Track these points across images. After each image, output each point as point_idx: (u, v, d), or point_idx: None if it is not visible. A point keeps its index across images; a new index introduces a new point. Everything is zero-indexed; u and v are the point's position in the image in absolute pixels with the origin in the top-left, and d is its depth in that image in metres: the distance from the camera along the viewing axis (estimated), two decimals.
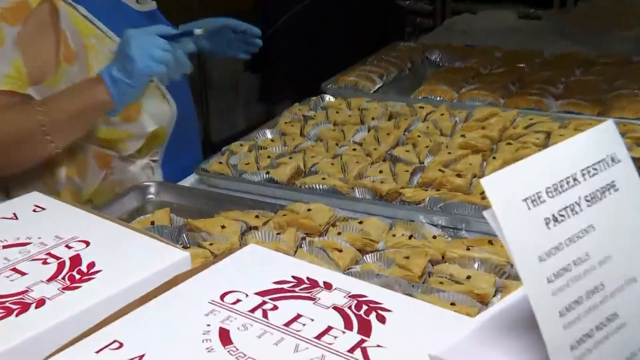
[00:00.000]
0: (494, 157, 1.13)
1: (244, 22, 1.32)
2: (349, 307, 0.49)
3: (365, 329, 0.47)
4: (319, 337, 0.46)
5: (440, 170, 1.08)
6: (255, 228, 0.93)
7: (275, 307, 0.49)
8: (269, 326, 0.47)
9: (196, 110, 1.38)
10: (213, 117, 2.78)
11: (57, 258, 0.57)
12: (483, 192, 1.00)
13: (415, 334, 0.47)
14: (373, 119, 1.32)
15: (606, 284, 0.37)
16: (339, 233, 0.90)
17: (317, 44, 2.29)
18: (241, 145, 1.23)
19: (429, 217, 0.96)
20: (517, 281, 0.78)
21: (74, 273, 0.55)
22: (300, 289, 0.51)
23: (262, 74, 2.61)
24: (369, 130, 1.27)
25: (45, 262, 0.56)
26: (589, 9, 2.10)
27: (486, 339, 0.39)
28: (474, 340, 0.39)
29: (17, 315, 0.50)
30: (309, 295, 0.50)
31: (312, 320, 0.48)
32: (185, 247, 0.88)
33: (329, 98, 1.48)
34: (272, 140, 1.26)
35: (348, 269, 0.83)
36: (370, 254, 0.87)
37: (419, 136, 1.22)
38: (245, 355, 0.44)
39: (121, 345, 0.45)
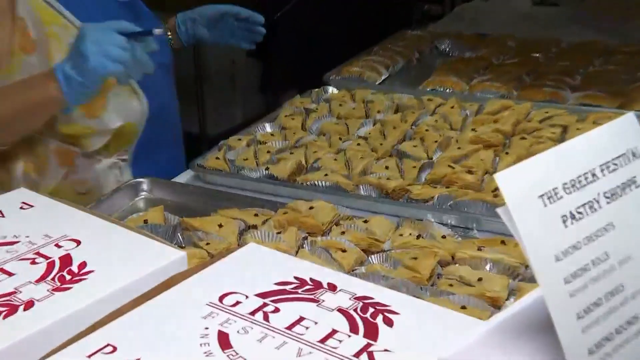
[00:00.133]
0: (506, 153, 1.13)
1: (246, 9, 1.32)
2: (355, 310, 0.49)
3: (371, 332, 0.47)
4: (322, 341, 0.46)
5: (449, 166, 1.08)
6: (254, 227, 0.94)
7: (276, 310, 0.49)
8: (270, 329, 0.47)
9: (178, 106, 1.37)
10: (209, 110, 2.78)
11: (47, 258, 0.57)
12: (495, 190, 1.00)
13: (424, 337, 0.47)
14: (379, 112, 1.32)
15: (626, 285, 0.37)
16: (343, 232, 0.90)
17: (319, 32, 2.29)
18: (239, 139, 1.23)
19: (438, 216, 0.96)
20: (531, 283, 0.79)
21: (64, 273, 0.55)
22: (303, 291, 0.51)
23: (261, 64, 2.61)
24: (374, 124, 1.28)
25: (33, 262, 0.57)
26: None
27: (499, 343, 0.39)
28: (485, 343, 0.39)
29: (4, 318, 0.50)
30: (312, 297, 0.51)
31: (316, 323, 0.48)
32: (180, 247, 0.89)
33: (332, 90, 1.48)
34: (272, 134, 1.26)
35: (352, 271, 0.84)
36: (375, 255, 0.87)
37: (427, 130, 1.22)
38: None
39: (115, 349, 0.46)
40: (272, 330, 0.47)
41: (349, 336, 0.47)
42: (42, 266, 0.56)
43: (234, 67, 2.81)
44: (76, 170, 1.14)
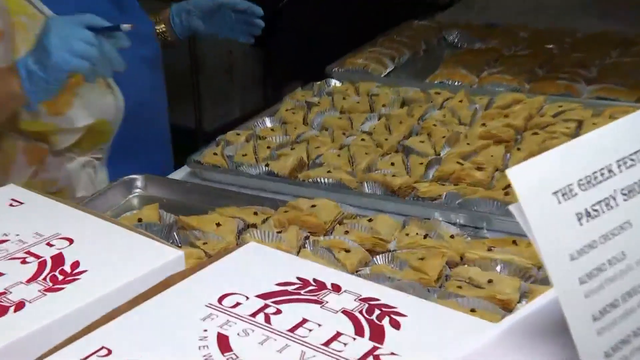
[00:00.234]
0: (518, 149, 1.13)
1: (244, 0, 1.31)
2: (360, 312, 0.50)
3: (377, 335, 0.47)
4: (327, 343, 0.47)
5: (458, 162, 1.08)
6: (254, 226, 0.94)
7: (278, 311, 0.50)
8: (272, 332, 0.48)
9: (167, 103, 1.36)
10: (205, 103, 2.79)
11: (38, 257, 0.58)
12: (506, 187, 1.01)
13: (432, 340, 0.47)
14: (384, 106, 1.32)
15: None
16: (346, 232, 0.91)
17: (322, 22, 2.29)
18: (238, 134, 1.24)
19: (446, 215, 0.97)
20: (544, 286, 0.79)
21: (57, 273, 0.55)
22: (306, 292, 0.52)
23: (261, 55, 2.61)
24: (379, 119, 1.28)
25: (24, 262, 0.57)
26: None
27: (511, 346, 0.39)
28: (497, 347, 0.39)
29: None
30: (315, 298, 0.51)
31: (320, 325, 0.48)
32: (176, 247, 0.89)
33: (334, 83, 1.48)
34: (272, 129, 1.27)
35: (356, 272, 0.84)
36: (380, 255, 0.88)
37: (434, 125, 1.22)
38: None
39: (110, 352, 0.46)
40: (274, 333, 0.48)
41: (354, 339, 0.47)
42: (33, 266, 0.56)
43: (231, 58, 2.81)
44: (46, 169, 1.13)
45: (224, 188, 1.10)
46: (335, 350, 0.46)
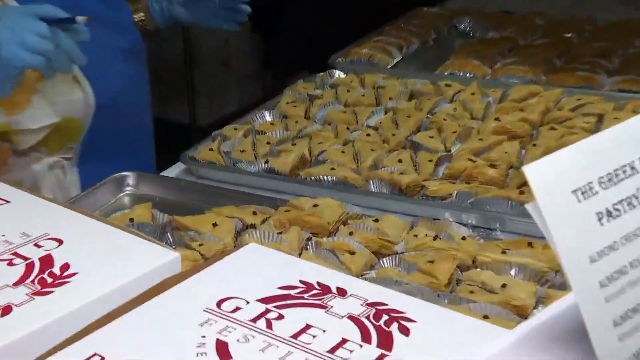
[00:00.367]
0: (534, 145, 1.14)
1: None
2: (367, 317, 0.50)
3: (385, 342, 0.48)
4: (332, 351, 0.47)
5: (470, 159, 1.09)
6: (253, 227, 0.95)
7: (280, 316, 0.50)
8: (273, 338, 0.48)
9: (149, 97, 1.34)
10: (200, 96, 2.79)
11: (25, 258, 0.58)
12: (521, 186, 1.01)
13: (443, 347, 0.48)
14: (391, 99, 1.33)
15: None
16: (351, 233, 0.91)
17: (326, 9, 2.29)
18: (235, 129, 1.24)
19: (457, 215, 0.97)
20: (562, 291, 0.79)
21: (45, 276, 0.56)
22: (310, 296, 0.52)
23: (260, 44, 2.61)
24: (385, 113, 1.28)
25: (10, 264, 0.57)
26: None
27: (527, 353, 0.40)
28: (512, 354, 0.40)
29: None
30: (319, 302, 0.51)
31: (324, 331, 0.49)
32: None
33: (338, 74, 1.48)
34: (271, 123, 1.27)
35: (361, 275, 0.85)
36: (387, 258, 0.88)
37: (444, 119, 1.22)
38: None
39: (102, 359, 0.47)
40: (276, 339, 0.48)
41: (361, 346, 0.47)
42: (20, 268, 0.57)
43: (228, 48, 2.81)
44: (9, 170, 1.11)
45: (220, 186, 1.10)
46: (341, 357, 0.46)
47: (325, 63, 1.53)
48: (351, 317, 0.50)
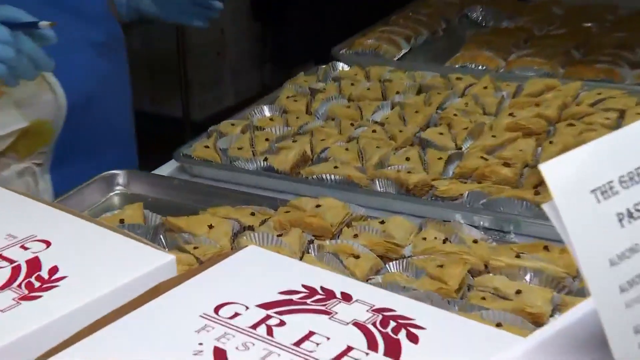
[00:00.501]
0: (551, 142, 1.14)
1: None
2: (373, 324, 0.50)
3: (393, 350, 0.48)
4: (336, 359, 0.47)
5: (482, 157, 1.09)
6: (251, 228, 0.95)
7: (282, 323, 0.50)
8: (274, 346, 0.48)
9: (130, 95, 1.33)
10: (194, 89, 2.80)
11: (11, 261, 0.58)
12: (537, 186, 1.01)
13: (454, 356, 0.48)
14: (398, 93, 1.33)
15: None
16: (356, 235, 0.92)
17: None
18: (232, 125, 1.24)
19: (469, 217, 0.98)
20: (579, 297, 0.80)
21: (33, 280, 0.56)
22: (313, 301, 0.53)
23: (258, 33, 2.61)
24: (392, 108, 1.29)
25: None
26: None
27: None
28: None
29: None
30: (323, 308, 0.52)
31: (328, 338, 0.49)
32: None
33: (342, 66, 1.49)
34: (271, 119, 1.27)
35: (367, 280, 0.85)
36: (394, 262, 0.88)
37: (455, 115, 1.23)
38: None
39: None
40: (277, 347, 0.48)
41: (367, 354, 0.48)
42: (6, 271, 0.57)
43: (223, 38, 2.81)
44: None
45: (216, 185, 1.11)
46: None
47: (327, 54, 1.53)
48: (357, 324, 0.50)
